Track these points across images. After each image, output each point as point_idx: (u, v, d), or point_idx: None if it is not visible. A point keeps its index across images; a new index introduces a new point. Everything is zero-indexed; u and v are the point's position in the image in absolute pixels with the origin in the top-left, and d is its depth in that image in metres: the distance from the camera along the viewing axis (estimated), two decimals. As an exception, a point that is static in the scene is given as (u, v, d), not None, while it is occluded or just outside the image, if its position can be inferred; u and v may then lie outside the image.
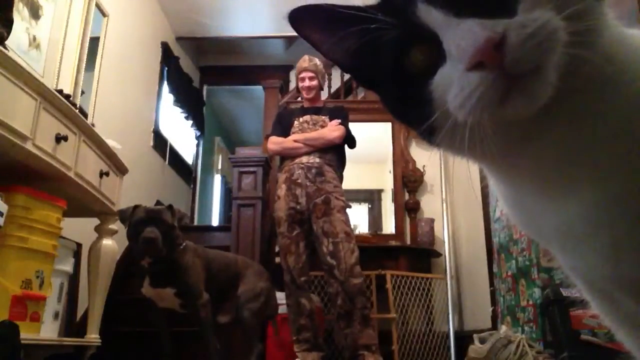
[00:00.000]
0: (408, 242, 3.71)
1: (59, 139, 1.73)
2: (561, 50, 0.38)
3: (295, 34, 0.49)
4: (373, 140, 4.01)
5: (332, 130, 2.51)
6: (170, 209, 2.13)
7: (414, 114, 0.45)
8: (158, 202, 3.80)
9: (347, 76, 4.01)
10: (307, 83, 2.63)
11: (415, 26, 0.43)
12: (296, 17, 0.49)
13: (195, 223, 4.97)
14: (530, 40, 0.38)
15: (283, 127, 2.62)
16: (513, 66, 0.38)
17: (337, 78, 4.10)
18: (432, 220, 3.62)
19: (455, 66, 0.40)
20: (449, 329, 3.09)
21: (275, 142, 2.58)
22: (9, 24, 1.66)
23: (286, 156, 2.56)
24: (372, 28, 0.44)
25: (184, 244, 2.18)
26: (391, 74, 0.46)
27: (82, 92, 2.77)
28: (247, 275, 2.39)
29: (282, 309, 2.54)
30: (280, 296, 2.50)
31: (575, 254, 0.44)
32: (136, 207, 2.09)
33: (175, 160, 4.51)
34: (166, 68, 4.25)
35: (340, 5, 0.47)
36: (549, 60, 0.38)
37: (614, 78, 0.42)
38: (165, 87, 4.26)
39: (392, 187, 3.93)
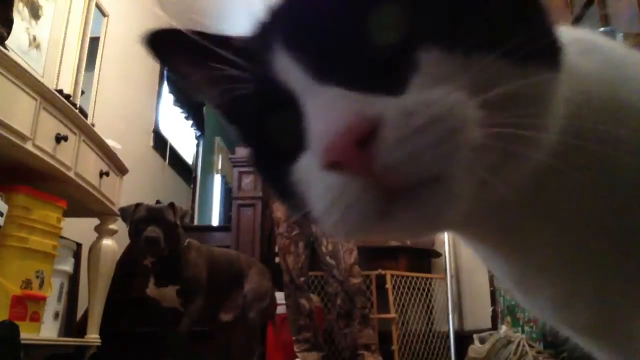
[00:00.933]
0: (408, 242, 3.70)
1: (59, 139, 1.73)
2: (470, 154, 0.25)
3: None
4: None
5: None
6: (172, 207, 2.10)
7: (285, 198, 0.32)
8: (158, 202, 3.80)
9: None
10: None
11: (273, 83, 0.30)
12: (157, 41, 0.37)
13: (195, 223, 4.97)
14: (416, 139, 0.24)
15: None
16: (387, 178, 0.24)
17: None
18: (432, 220, 3.61)
19: (314, 159, 0.27)
20: (449, 329, 3.09)
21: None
22: (9, 24, 1.66)
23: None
24: (233, 76, 0.31)
25: (187, 241, 2.16)
26: (255, 143, 0.34)
27: (82, 92, 2.77)
28: (251, 274, 2.39)
29: (281, 309, 2.54)
30: (280, 296, 2.50)
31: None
32: (138, 205, 2.07)
33: (175, 160, 4.51)
34: (166, 68, 4.25)
35: (208, 35, 0.34)
36: (450, 169, 0.25)
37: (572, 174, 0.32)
38: (165, 87, 4.26)
39: (392, 187, 3.92)
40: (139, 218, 2.01)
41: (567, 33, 0.34)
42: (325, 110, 0.26)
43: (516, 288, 0.41)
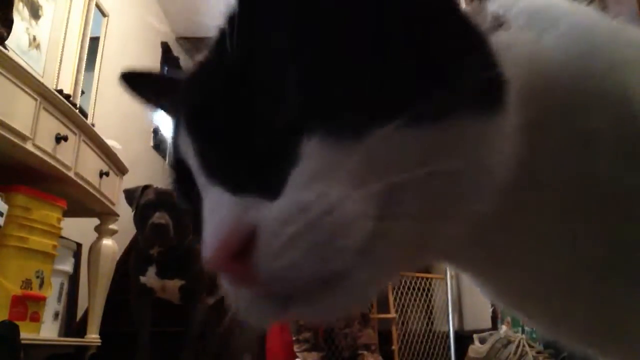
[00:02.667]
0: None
1: (59, 139, 1.73)
2: (368, 245, 0.23)
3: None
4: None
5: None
6: None
7: None
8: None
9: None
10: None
11: (179, 161, 0.29)
12: (129, 81, 0.41)
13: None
14: (293, 248, 0.22)
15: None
16: (271, 287, 0.23)
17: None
18: (432, 220, 3.62)
19: None
20: (449, 329, 3.09)
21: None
22: (9, 24, 1.66)
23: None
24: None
25: None
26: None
27: (82, 92, 2.77)
28: None
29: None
30: (280, 296, 2.50)
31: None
32: (145, 187, 1.90)
33: (175, 160, 4.50)
34: (166, 68, 4.25)
35: (164, 77, 0.39)
36: (343, 266, 0.23)
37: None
38: (165, 87, 4.26)
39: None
40: (147, 202, 1.84)
41: (516, 10, 0.32)
42: (208, 214, 0.25)
43: (507, 306, 0.40)
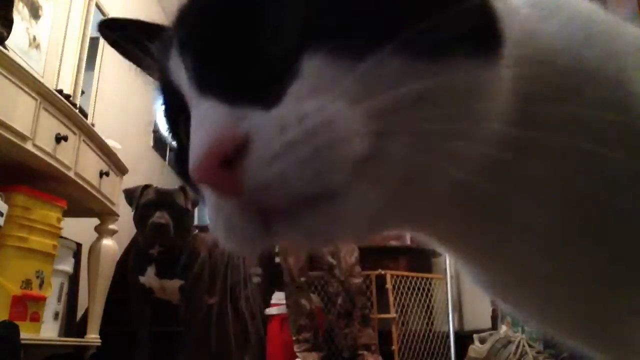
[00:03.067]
0: (408, 242, 3.70)
1: (59, 139, 1.73)
2: (361, 167, 0.23)
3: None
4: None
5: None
6: (183, 191, 1.90)
7: None
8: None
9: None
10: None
11: (172, 85, 0.29)
12: (106, 29, 0.38)
13: (195, 222, 4.96)
14: (288, 156, 0.22)
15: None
16: (258, 199, 0.23)
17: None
18: (432, 220, 3.62)
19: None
20: (449, 329, 3.09)
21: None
22: (9, 24, 1.66)
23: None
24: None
25: (196, 232, 2.02)
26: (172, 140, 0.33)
27: (82, 92, 2.76)
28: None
29: (282, 309, 2.54)
30: (280, 296, 2.50)
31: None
32: (145, 187, 1.89)
33: (175, 160, 4.50)
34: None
35: (145, 24, 0.37)
36: (333, 185, 0.23)
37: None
38: (165, 87, 4.26)
39: (392, 187, 3.92)
40: (147, 202, 1.84)
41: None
42: (198, 125, 0.24)
43: (496, 297, 0.39)
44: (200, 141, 0.23)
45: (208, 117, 0.24)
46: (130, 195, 1.91)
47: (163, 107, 0.33)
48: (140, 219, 1.86)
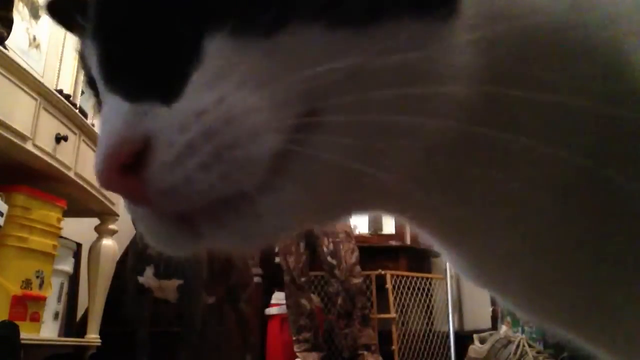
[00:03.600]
0: (408, 242, 3.70)
1: (59, 139, 1.73)
2: (279, 163, 0.21)
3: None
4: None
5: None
6: None
7: None
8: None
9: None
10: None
11: (89, 73, 0.27)
12: (53, 9, 0.36)
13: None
14: (189, 159, 0.20)
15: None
16: (164, 204, 0.21)
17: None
18: (432, 220, 3.62)
19: None
20: (449, 329, 3.09)
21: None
22: (9, 24, 1.66)
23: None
24: None
25: None
26: None
27: (82, 92, 2.76)
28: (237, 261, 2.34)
29: (282, 309, 2.54)
30: (280, 296, 2.50)
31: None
32: None
33: (175, 160, 4.51)
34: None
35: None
36: (246, 186, 0.21)
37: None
38: (165, 87, 4.26)
39: (392, 187, 3.92)
40: None
41: None
42: (102, 125, 0.22)
43: (479, 283, 0.37)
44: (100, 144, 0.21)
45: (110, 116, 0.21)
46: None
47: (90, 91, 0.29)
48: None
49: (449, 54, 0.23)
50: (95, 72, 0.24)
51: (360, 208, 0.30)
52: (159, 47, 0.21)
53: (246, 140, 0.20)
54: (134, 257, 2.05)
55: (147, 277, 2.00)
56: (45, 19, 2.47)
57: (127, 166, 0.20)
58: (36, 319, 1.69)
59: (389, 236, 3.83)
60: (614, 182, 0.26)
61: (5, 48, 1.56)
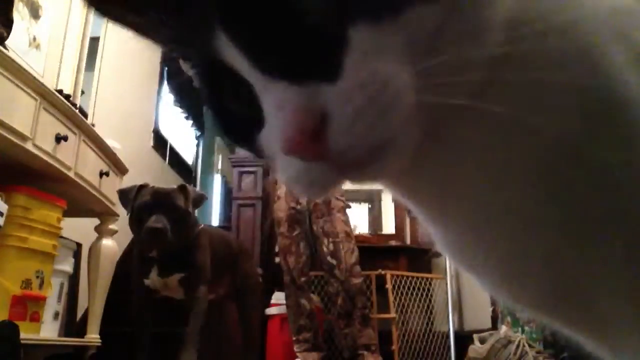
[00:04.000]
0: (408, 242, 3.71)
1: (59, 139, 1.73)
2: (410, 117, 0.27)
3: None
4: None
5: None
6: (182, 190, 1.79)
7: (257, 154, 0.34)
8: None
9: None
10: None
11: (216, 60, 0.30)
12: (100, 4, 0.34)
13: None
14: (359, 121, 0.26)
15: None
16: (342, 159, 0.27)
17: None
18: (432, 220, 3.62)
19: (275, 140, 0.29)
20: (449, 329, 3.09)
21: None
22: (9, 24, 1.66)
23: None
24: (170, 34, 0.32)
25: (200, 227, 1.93)
26: (212, 107, 0.35)
27: (82, 92, 2.76)
28: (241, 261, 2.33)
29: (282, 309, 2.54)
30: (280, 296, 2.50)
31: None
32: (141, 187, 1.79)
33: (175, 160, 4.51)
34: (166, 68, 4.25)
35: None
36: (394, 135, 0.27)
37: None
38: (165, 87, 4.26)
39: (392, 187, 3.93)
40: (142, 204, 1.73)
41: None
42: (278, 110, 0.28)
43: (458, 258, 0.38)
44: (288, 121, 0.27)
45: (285, 100, 0.27)
46: (125, 196, 1.79)
47: (199, 75, 0.34)
48: (135, 223, 1.74)
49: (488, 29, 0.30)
50: (240, 63, 0.29)
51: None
52: (313, 40, 0.27)
53: (396, 98, 0.26)
54: (139, 259, 2.02)
55: (152, 279, 1.96)
56: (46, 19, 2.48)
57: (313, 136, 0.26)
58: (36, 319, 1.69)
59: (389, 236, 3.83)
60: (595, 163, 0.29)
61: (5, 48, 1.56)
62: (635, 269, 0.29)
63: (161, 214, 1.71)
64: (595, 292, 0.30)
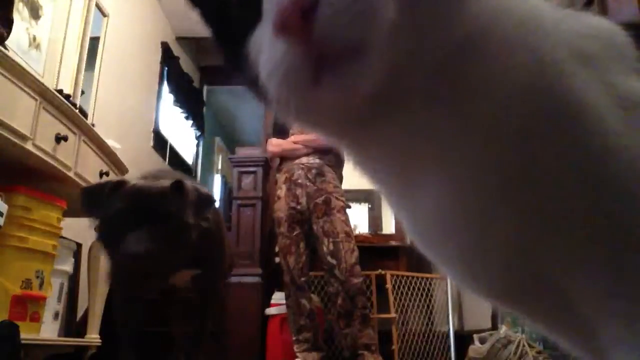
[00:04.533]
0: (408, 242, 3.70)
1: (59, 139, 1.73)
2: (387, 31, 0.30)
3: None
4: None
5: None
6: (177, 189, 1.19)
7: (241, 71, 0.37)
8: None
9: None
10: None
11: None
12: None
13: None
14: (346, 12, 0.29)
15: (283, 128, 2.62)
16: (322, 43, 0.29)
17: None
18: (432, 220, 3.62)
19: (268, 26, 0.32)
20: (449, 329, 3.09)
21: (275, 144, 2.59)
22: (9, 24, 1.66)
23: (286, 157, 2.56)
24: None
25: (206, 225, 1.37)
26: (215, 19, 0.39)
27: (82, 92, 2.76)
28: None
29: (282, 309, 2.54)
30: (280, 296, 2.50)
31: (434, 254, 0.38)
32: (117, 185, 1.16)
33: (175, 160, 4.50)
34: (166, 68, 4.25)
35: None
36: (371, 40, 0.30)
37: (478, 62, 0.33)
38: (165, 87, 4.26)
39: (392, 187, 3.93)
40: (117, 212, 1.10)
41: None
42: None
43: (426, 248, 0.39)
44: None
45: None
46: (92, 197, 1.17)
47: None
48: (107, 239, 1.11)
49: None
50: None
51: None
52: None
53: (379, 5, 0.29)
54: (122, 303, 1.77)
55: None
56: (46, 19, 2.48)
57: (304, 11, 0.29)
58: (36, 319, 1.69)
59: (389, 236, 3.83)
60: (544, 153, 0.31)
61: (5, 48, 1.56)
62: (589, 251, 0.30)
63: (144, 226, 1.09)
64: (553, 278, 0.31)
